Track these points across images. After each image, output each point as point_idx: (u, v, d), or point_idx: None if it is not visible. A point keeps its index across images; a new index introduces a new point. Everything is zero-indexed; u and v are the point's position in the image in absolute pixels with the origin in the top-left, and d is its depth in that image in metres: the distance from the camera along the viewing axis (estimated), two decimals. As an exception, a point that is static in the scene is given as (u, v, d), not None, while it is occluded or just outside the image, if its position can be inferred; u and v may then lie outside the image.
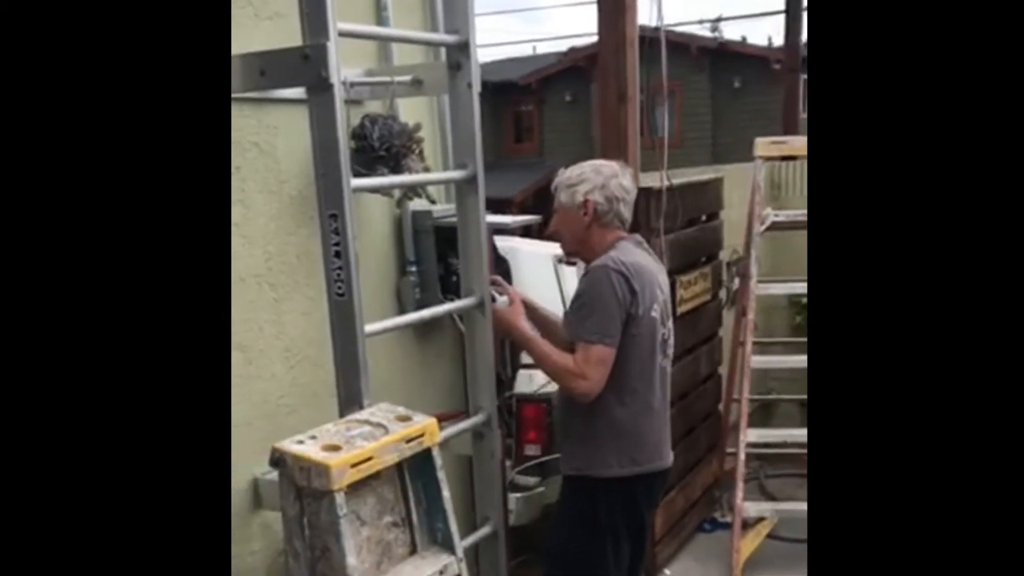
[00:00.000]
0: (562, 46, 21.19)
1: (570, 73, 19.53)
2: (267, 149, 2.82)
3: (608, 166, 2.99)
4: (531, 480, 4.65)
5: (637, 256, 2.92)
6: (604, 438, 2.91)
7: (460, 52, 2.77)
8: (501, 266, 4.90)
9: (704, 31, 18.55)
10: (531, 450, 4.64)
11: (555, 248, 4.85)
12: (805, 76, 7.72)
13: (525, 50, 22.30)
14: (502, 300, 3.02)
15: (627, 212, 2.98)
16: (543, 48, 22.49)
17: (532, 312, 3.22)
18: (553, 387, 4.26)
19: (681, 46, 16.67)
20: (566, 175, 3.00)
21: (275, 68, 2.44)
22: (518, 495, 4.56)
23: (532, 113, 20.02)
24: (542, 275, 5.06)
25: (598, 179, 2.93)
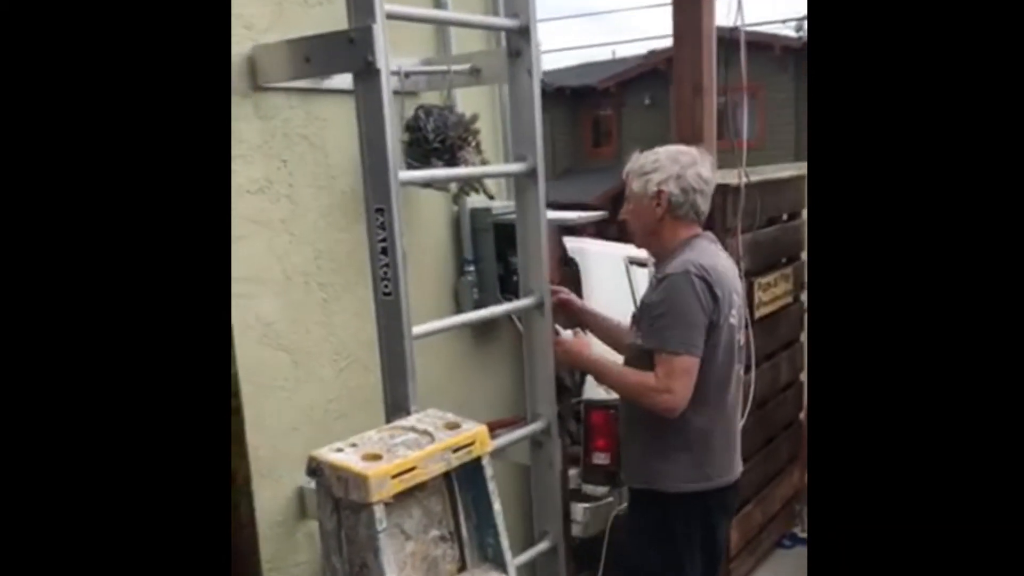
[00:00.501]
0: (641, 49, 21.04)
1: (649, 76, 19.39)
2: (317, 142, 2.70)
3: (686, 153, 2.81)
4: (599, 490, 4.52)
5: (716, 258, 2.77)
6: (675, 451, 2.77)
7: (520, 38, 2.62)
8: (571, 267, 4.77)
9: (788, 30, 18.19)
10: (599, 458, 4.53)
11: (627, 249, 4.71)
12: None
13: (604, 54, 22.22)
14: (566, 333, 2.93)
15: (704, 205, 2.81)
16: (622, 52, 22.38)
17: (595, 321, 3.13)
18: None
19: (764, 46, 16.38)
20: (640, 161, 2.83)
21: (320, 53, 2.33)
22: (585, 505, 4.43)
23: (611, 117, 19.91)
24: (613, 277, 4.92)
25: (674, 168, 2.76)
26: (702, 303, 2.63)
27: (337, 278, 2.81)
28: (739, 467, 2.91)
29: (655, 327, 2.69)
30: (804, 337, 5.03)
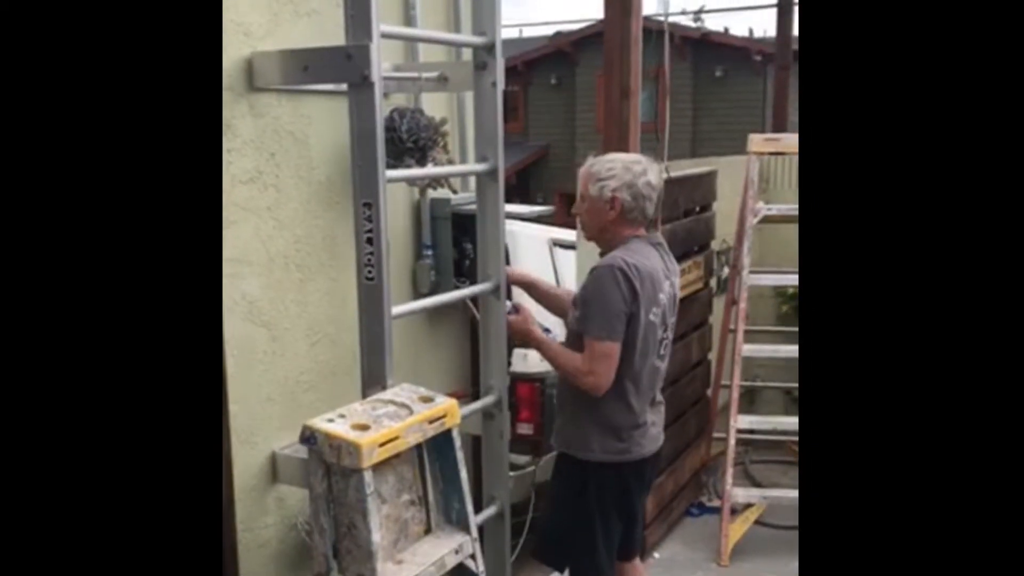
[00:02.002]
0: (547, 31, 21.25)
1: (556, 57, 19.63)
2: (301, 138, 2.94)
3: (638, 163, 3.02)
4: (522, 459, 4.73)
5: (645, 258, 2.98)
6: (588, 424, 3.00)
7: (486, 53, 2.92)
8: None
9: (687, 20, 18.62)
10: (524, 429, 4.69)
11: (551, 232, 4.97)
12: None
13: (511, 33, 22.36)
14: (508, 307, 3.13)
15: (651, 209, 3.02)
16: (529, 32, 22.60)
17: (536, 289, 3.32)
18: (548, 366, 4.38)
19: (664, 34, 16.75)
20: (596, 168, 3.01)
21: (318, 64, 2.57)
22: (509, 473, 4.63)
23: (518, 94, 20.09)
24: (538, 257, 5.15)
25: (627, 176, 2.96)
26: (622, 293, 2.85)
27: (312, 260, 3.05)
28: (654, 444, 3.11)
29: (583, 314, 2.92)
30: (712, 319, 5.39)
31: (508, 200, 3.16)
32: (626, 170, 2.97)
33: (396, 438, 2.42)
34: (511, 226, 5.38)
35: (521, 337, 3.14)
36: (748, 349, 4.58)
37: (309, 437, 2.41)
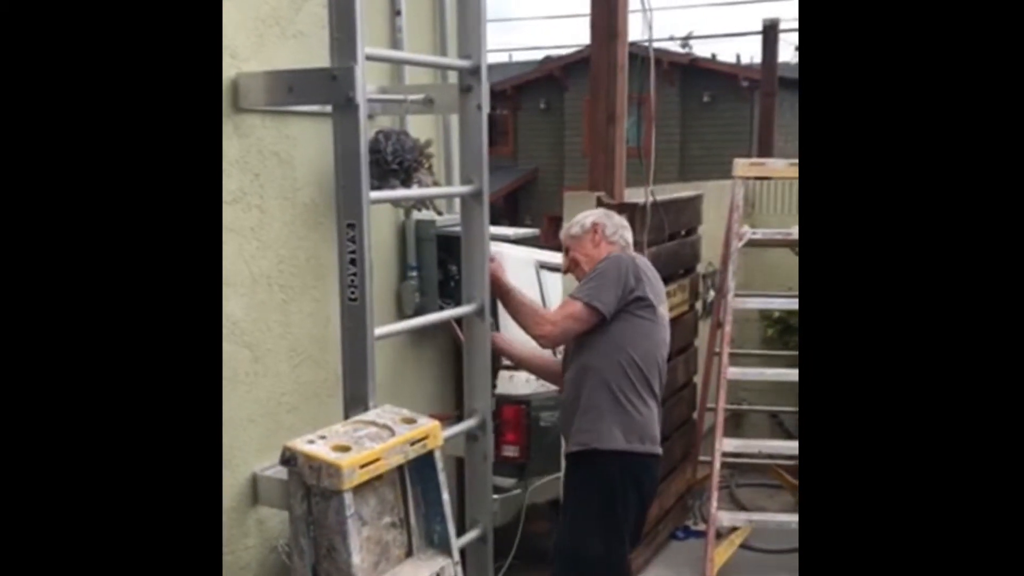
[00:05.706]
0: (537, 55, 21.40)
1: (545, 81, 19.76)
2: (285, 158, 2.93)
3: (609, 212, 3.37)
4: (508, 481, 4.72)
5: (641, 259, 3.22)
6: (606, 411, 3.06)
7: (472, 76, 2.94)
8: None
9: (675, 46, 18.79)
10: (509, 451, 4.70)
11: (538, 254, 4.99)
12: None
13: (501, 58, 22.58)
14: None
15: (630, 239, 3.31)
16: (519, 57, 22.84)
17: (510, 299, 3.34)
18: (534, 388, 4.40)
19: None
20: (573, 219, 3.32)
21: (303, 86, 2.58)
22: (495, 496, 4.62)
23: (507, 118, 20.20)
24: (524, 279, 5.16)
25: (601, 212, 3.32)
26: (621, 273, 3.05)
27: (296, 281, 3.03)
28: (659, 445, 3.23)
29: (582, 284, 3.14)
30: (698, 342, 5.40)
31: (497, 223, 3.23)
32: (598, 210, 3.38)
33: (377, 460, 2.42)
34: (498, 248, 5.41)
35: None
36: (733, 372, 4.60)
37: (289, 458, 2.40)
